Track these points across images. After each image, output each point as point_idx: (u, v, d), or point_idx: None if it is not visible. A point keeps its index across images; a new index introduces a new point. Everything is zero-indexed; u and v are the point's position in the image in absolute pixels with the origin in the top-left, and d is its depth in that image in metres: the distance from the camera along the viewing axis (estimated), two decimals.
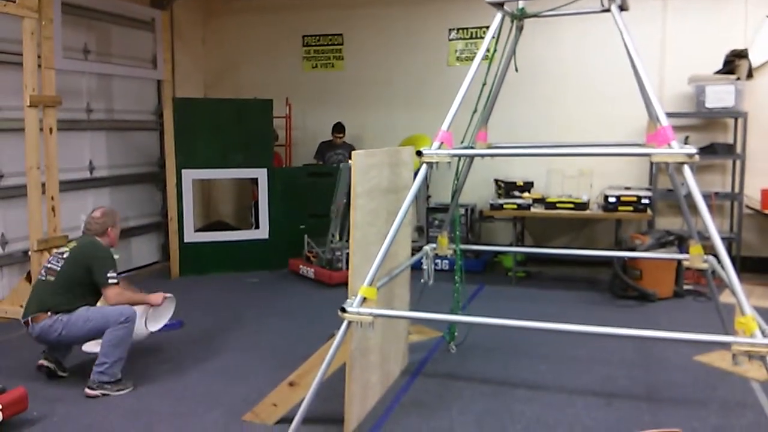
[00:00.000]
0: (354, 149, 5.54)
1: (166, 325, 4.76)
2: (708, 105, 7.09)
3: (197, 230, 7.96)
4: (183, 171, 7.57)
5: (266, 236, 7.89)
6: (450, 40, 8.55)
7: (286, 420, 3.66)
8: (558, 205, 7.26)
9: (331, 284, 7.03)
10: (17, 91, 5.86)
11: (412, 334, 5.04)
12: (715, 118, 7.45)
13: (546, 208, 7.30)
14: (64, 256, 4.39)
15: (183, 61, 8.78)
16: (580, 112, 7.89)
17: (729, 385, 4.32)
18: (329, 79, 9.09)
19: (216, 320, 5.88)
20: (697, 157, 3.09)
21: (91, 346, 4.51)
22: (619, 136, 6.94)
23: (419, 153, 3.58)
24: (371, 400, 3.97)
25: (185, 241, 7.65)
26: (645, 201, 6.93)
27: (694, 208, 3.32)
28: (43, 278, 4.40)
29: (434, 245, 4.89)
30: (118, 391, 4.22)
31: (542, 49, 7.70)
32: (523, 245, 7.85)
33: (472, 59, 8.14)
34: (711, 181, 7.51)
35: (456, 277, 4.98)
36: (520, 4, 4.35)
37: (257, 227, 7.98)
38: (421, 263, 4.67)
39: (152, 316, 4.58)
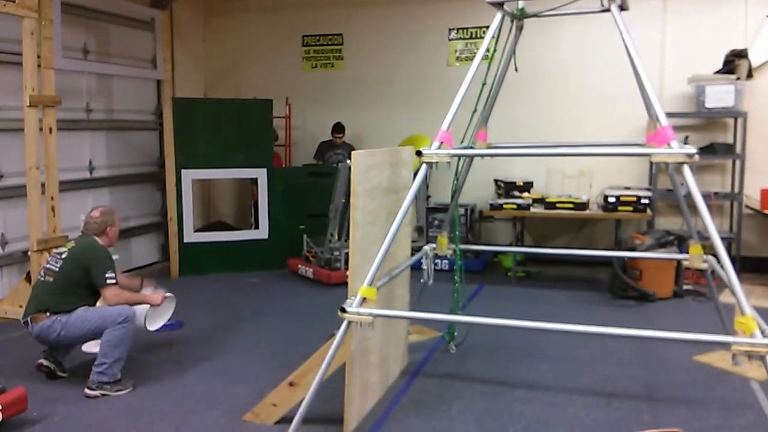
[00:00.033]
0: (354, 149, 5.53)
1: (165, 325, 4.75)
2: (708, 105, 7.10)
3: (197, 230, 7.96)
4: (183, 171, 7.57)
5: (266, 236, 7.89)
6: (450, 39, 8.55)
7: (286, 420, 3.66)
8: (558, 205, 7.26)
9: (330, 284, 7.03)
10: (17, 91, 5.86)
11: (412, 334, 5.04)
12: (715, 118, 7.45)
13: (546, 208, 7.30)
14: (63, 256, 4.39)
15: (183, 61, 8.78)
16: (580, 112, 7.89)
17: (729, 385, 4.32)
18: (329, 79, 9.09)
19: (216, 320, 5.88)
20: (696, 157, 3.09)
21: (91, 347, 4.52)
22: (619, 136, 6.93)
23: (419, 153, 3.58)
24: (371, 400, 3.97)
25: (185, 241, 7.65)
26: (645, 201, 6.93)
27: (693, 208, 3.32)
28: (42, 279, 4.39)
29: (434, 245, 4.89)
30: (117, 391, 4.21)
31: (542, 49, 7.70)
32: (522, 245, 7.85)
33: (472, 59, 8.16)
34: (711, 181, 7.51)
35: (456, 277, 4.98)
36: (520, 4, 4.35)
37: (257, 227, 7.98)
38: (421, 263, 4.67)
39: (152, 316, 4.57)
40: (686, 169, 3.16)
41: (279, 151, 8.78)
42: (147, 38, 7.91)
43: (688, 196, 3.35)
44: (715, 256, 3.48)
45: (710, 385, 4.33)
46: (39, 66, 5.90)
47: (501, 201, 7.45)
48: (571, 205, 7.22)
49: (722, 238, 3.17)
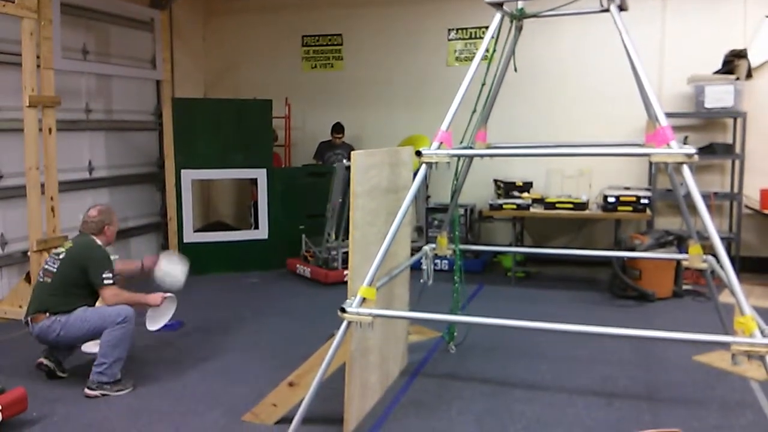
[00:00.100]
0: (353, 149, 5.53)
1: (165, 326, 4.74)
2: (707, 105, 7.10)
3: (196, 230, 7.96)
4: (182, 171, 7.57)
5: (266, 236, 7.89)
6: (449, 40, 8.55)
7: (286, 420, 3.66)
8: (557, 205, 7.27)
9: (327, 283, 7.06)
10: (16, 91, 5.85)
11: (412, 334, 5.04)
12: (714, 118, 7.45)
13: (545, 208, 7.31)
14: (61, 257, 4.38)
15: (182, 61, 8.79)
16: (580, 112, 7.89)
17: (728, 385, 4.32)
18: (328, 80, 9.10)
19: (215, 320, 5.88)
20: (696, 157, 3.10)
21: (91, 347, 4.51)
22: (619, 136, 6.93)
23: (418, 153, 3.58)
24: (371, 401, 3.97)
25: (184, 241, 7.65)
26: (644, 201, 6.94)
27: (693, 208, 3.32)
28: (41, 280, 4.39)
29: (434, 245, 4.89)
30: (117, 391, 4.21)
31: (541, 49, 7.71)
32: (522, 245, 7.85)
33: (471, 59, 8.14)
34: (710, 181, 7.52)
35: (455, 277, 4.98)
36: (520, 4, 4.35)
37: (256, 227, 7.98)
38: (421, 263, 4.67)
39: (152, 316, 4.57)
40: (686, 169, 3.16)
41: (278, 151, 8.78)
42: (146, 38, 7.91)
43: (688, 196, 3.36)
44: (715, 256, 3.48)
45: (710, 385, 4.33)
46: (38, 66, 5.90)
47: (500, 201, 7.45)
48: (570, 205, 7.22)
49: (722, 238, 3.18)
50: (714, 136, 7.49)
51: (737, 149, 7.23)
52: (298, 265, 7.58)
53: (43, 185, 5.97)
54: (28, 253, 5.95)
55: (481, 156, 5.31)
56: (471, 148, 4.58)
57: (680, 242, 6.57)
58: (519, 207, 7.33)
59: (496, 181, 7.92)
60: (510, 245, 7.81)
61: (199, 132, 7.65)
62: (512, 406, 4.02)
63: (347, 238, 7.30)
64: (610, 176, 7.71)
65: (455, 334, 5.07)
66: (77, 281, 4.31)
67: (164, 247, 8.20)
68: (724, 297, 5.00)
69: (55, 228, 6.08)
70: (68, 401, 4.12)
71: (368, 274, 3.45)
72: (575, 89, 7.97)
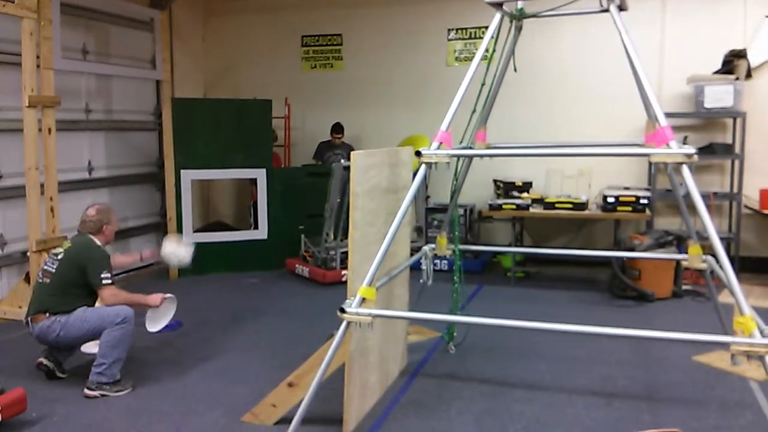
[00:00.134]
0: (353, 149, 5.53)
1: (164, 326, 4.74)
2: (707, 105, 7.10)
3: (196, 230, 7.95)
4: (182, 171, 7.56)
5: (265, 236, 7.89)
6: (449, 40, 8.55)
7: (286, 420, 3.66)
8: (557, 205, 7.27)
9: (325, 283, 7.07)
10: (16, 91, 5.85)
11: (411, 334, 5.04)
12: (714, 118, 7.45)
13: (545, 209, 7.31)
14: (59, 257, 4.38)
15: (182, 62, 8.78)
16: (579, 112, 7.89)
17: (728, 385, 4.32)
18: (328, 80, 9.10)
19: (215, 320, 5.88)
20: (695, 157, 3.10)
21: (90, 347, 4.51)
22: (618, 136, 6.95)
23: (418, 153, 3.58)
24: (370, 401, 3.97)
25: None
26: (644, 201, 6.94)
27: (692, 208, 3.32)
28: (40, 280, 4.39)
29: (433, 245, 4.89)
30: (117, 392, 4.21)
31: (541, 49, 7.71)
32: (521, 245, 7.85)
33: (471, 59, 8.13)
34: (710, 181, 7.52)
35: (455, 278, 4.98)
36: (519, 4, 4.36)
37: (256, 227, 7.98)
38: (420, 263, 4.67)
39: (152, 317, 4.56)
40: (685, 170, 3.17)
41: (278, 151, 8.79)
42: (146, 38, 7.90)
43: (687, 196, 3.36)
44: (714, 256, 3.49)
45: (709, 385, 4.33)
46: (38, 66, 5.90)
47: (500, 201, 7.46)
48: (570, 206, 7.22)
49: (721, 238, 3.18)
50: (713, 136, 7.49)
51: (737, 149, 7.23)
52: (297, 265, 7.59)
53: (42, 185, 5.97)
54: (28, 254, 5.95)
55: (481, 156, 5.31)
56: (471, 148, 4.58)
57: (680, 242, 6.57)
58: (518, 207, 7.34)
59: (495, 181, 7.92)
60: (509, 245, 7.81)
61: (198, 132, 7.64)
62: (512, 406, 4.02)
63: (346, 238, 7.33)
64: (609, 176, 7.71)
65: (455, 334, 5.07)
66: (76, 281, 4.31)
67: None
68: (724, 297, 5.01)
69: (55, 228, 6.08)
70: (68, 402, 4.12)
71: (368, 274, 3.45)
72: (575, 89, 7.97)
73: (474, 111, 4.53)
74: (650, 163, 7.36)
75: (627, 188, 7.39)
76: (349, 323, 3.38)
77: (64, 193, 6.43)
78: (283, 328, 5.68)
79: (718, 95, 7.05)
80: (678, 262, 6.09)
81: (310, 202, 7.85)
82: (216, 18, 9.52)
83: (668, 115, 3.49)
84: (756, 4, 7.30)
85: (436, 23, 8.53)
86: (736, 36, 7.36)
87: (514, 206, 7.35)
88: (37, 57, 5.88)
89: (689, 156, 3.10)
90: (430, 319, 4.02)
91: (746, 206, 7.26)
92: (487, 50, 3.95)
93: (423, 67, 8.60)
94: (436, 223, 7.98)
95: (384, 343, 4.12)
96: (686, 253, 4.69)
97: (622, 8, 3.74)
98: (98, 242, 4.47)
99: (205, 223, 8.95)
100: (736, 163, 7.29)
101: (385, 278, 3.85)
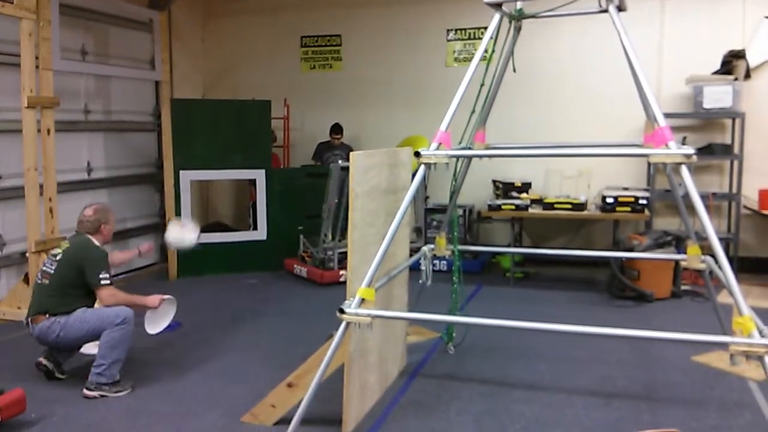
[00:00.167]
0: (352, 150, 5.55)
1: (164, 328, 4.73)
2: (706, 105, 7.10)
3: None
4: (181, 172, 7.56)
5: (264, 237, 7.89)
6: (448, 40, 8.55)
7: (285, 421, 3.66)
8: (556, 205, 7.27)
9: (323, 283, 7.07)
10: (15, 92, 5.85)
11: (411, 335, 5.03)
12: (713, 119, 7.46)
13: (544, 209, 7.31)
14: (57, 258, 4.38)
15: (181, 62, 8.79)
16: (579, 113, 7.90)
17: (727, 385, 4.32)
18: (327, 80, 9.10)
19: (214, 321, 5.88)
20: (694, 157, 3.10)
21: (90, 348, 4.51)
22: (617, 137, 6.96)
23: (417, 154, 3.58)
24: (369, 401, 3.97)
25: None
26: (643, 201, 6.94)
27: (691, 208, 3.32)
28: (39, 282, 4.39)
29: (432, 246, 4.89)
30: (116, 392, 4.21)
31: (540, 49, 7.71)
32: (521, 246, 7.86)
33: (470, 60, 8.16)
34: (709, 181, 7.52)
35: (454, 278, 4.98)
36: (518, 5, 4.36)
37: (255, 228, 7.98)
38: (420, 264, 4.68)
39: (150, 319, 4.55)
40: (684, 170, 3.17)
41: (277, 152, 8.79)
42: (145, 39, 7.90)
43: (686, 196, 3.36)
44: (713, 256, 3.49)
45: (708, 386, 4.33)
46: (37, 67, 5.90)
47: (499, 202, 7.46)
48: (569, 206, 7.23)
49: (720, 239, 3.18)
50: (712, 136, 7.50)
51: (736, 150, 7.23)
52: (295, 266, 7.59)
53: (41, 186, 5.97)
54: (27, 254, 5.94)
55: (480, 156, 5.29)
56: (470, 148, 4.58)
57: (678, 243, 6.58)
58: (518, 207, 7.34)
59: (494, 181, 7.93)
60: (508, 246, 7.80)
61: (197, 133, 7.64)
62: (511, 406, 4.02)
63: (343, 239, 7.36)
64: (608, 177, 7.71)
65: (454, 334, 5.07)
66: (74, 282, 4.31)
67: (163, 248, 8.19)
68: (723, 297, 5.00)
69: (54, 229, 6.07)
70: (67, 402, 4.12)
71: (367, 275, 3.45)
72: (574, 90, 7.97)
73: (473, 111, 4.53)
74: (649, 164, 7.36)
75: (626, 189, 7.39)
76: (348, 324, 3.38)
77: (63, 193, 6.43)
78: (282, 329, 5.68)
79: (717, 96, 7.06)
80: (677, 262, 6.09)
81: (309, 202, 7.85)
82: (215, 19, 9.52)
83: (667, 115, 3.49)
84: (755, 4, 7.30)
85: (436, 24, 8.53)
86: (735, 36, 7.36)
87: (513, 207, 7.35)
88: (36, 58, 5.88)
89: (688, 156, 3.10)
90: (430, 320, 4.03)
91: (745, 207, 7.26)
92: (486, 51, 3.96)
93: (422, 68, 8.61)
94: (435, 223, 7.98)
95: (383, 343, 4.12)
96: (685, 253, 4.69)
97: (620, 9, 3.74)
98: (96, 242, 4.47)
99: (204, 224, 8.92)
100: (735, 163, 7.30)
101: (385, 279, 3.85)
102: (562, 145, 6.27)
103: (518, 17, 4.40)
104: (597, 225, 7.97)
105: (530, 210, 7.33)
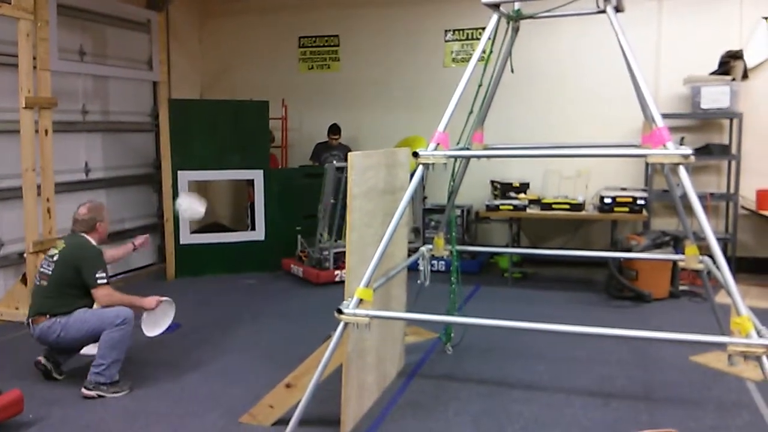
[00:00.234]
0: (350, 150, 5.55)
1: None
2: (703, 106, 7.11)
3: (193, 232, 7.95)
4: (179, 172, 7.56)
5: (262, 237, 7.88)
6: (446, 41, 8.56)
7: (283, 421, 3.66)
8: (554, 206, 7.27)
9: (318, 283, 7.08)
10: (12, 92, 5.84)
11: (409, 335, 5.03)
12: (711, 119, 7.47)
13: (542, 209, 7.31)
14: (54, 258, 4.37)
15: (179, 63, 8.78)
16: (576, 113, 7.90)
17: (725, 386, 4.33)
18: (325, 81, 9.10)
19: (213, 322, 5.88)
20: (692, 158, 3.11)
21: (89, 348, 4.50)
22: (615, 137, 6.96)
23: (415, 154, 3.58)
24: (368, 402, 3.97)
25: (181, 242, 7.64)
26: (640, 202, 6.95)
27: (689, 208, 3.33)
28: (38, 283, 4.39)
29: (430, 246, 4.89)
30: (114, 393, 4.20)
31: (538, 50, 7.72)
32: (519, 246, 7.87)
33: (468, 60, 8.08)
34: (706, 181, 7.53)
35: (452, 278, 4.98)
36: (516, 6, 4.36)
37: (253, 228, 7.98)
38: (418, 264, 4.68)
39: (148, 320, 4.53)
40: (682, 170, 3.17)
41: (275, 152, 8.78)
42: (143, 40, 7.90)
43: (684, 196, 3.36)
44: (711, 256, 3.49)
45: (706, 386, 4.34)
46: (35, 68, 5.89)
47: (497, 202, 7.46)
48: (567, 206, 7.23)
49: (718, 239, 3.18)
50: (710, 136, 7.51)
51: (733, 150, 7.25)
52: (292, 266, 7.59)
53: (39, 187, 5.97)
54: (25, 255, 5.93)
55: (478, 157, 5.30)
56: (468, 149, 4.58)
57: (676, 243, 6.58)
58: (516, 208, 7.34)
59: (492, 182, 7.93)
60: (507, 246, 7.80)
61: (195, 133, 7.64)
62: (509, 406, 4.03)
63: (340, 239, 7.36)
64: (606, 177, 7.72)
65: (452, 335, 5.07)
66: (72, 282, 4.30)
67: (161, 248, 8.19)
68: (721, 298, 5.01)
69: (52, 229, 6.06)
70: (65, 403, 4.11)
71: (365, 275, 3.45)
72: (572, 90, 7.98)
73: (471, 112, 4.54)
74: (647, 164, 7.37)
75: (624, 189, 7.40)
76: (346, 324, 3.38)
77: (60, 194, 6.42)
78: (280, 329, 5.68)
79: (715, 96, 7.07)
80: (675, 262, 6.09)
81: (307, 203, 7.84)
82: (213, 19, 9.52)
83: (665, 116, 3.50)
84: (752, 5, 7.31)
85: (433, 24, 8.53)
86: (733, 37, 7.37)
87: (511, 207, 7.35)
88: (34, 58, 5.86)
89: (686, 157, 3.10)
90: (428, 320, 4.03)
91: (743, 207, 7.27)
92: (484, 51, 3.97)
93: (420, 68, 8.61)
94: (433, 223, 7.98)
95: (381, 344, 4.12)
96: (683, 253, 4.69)
97: (618, 9, 3.75)
98: (92, 241, 4.45)
99: (202, 225, 8.93)
100: (733, 163, 7.31)
101: (383, 279, 3.85)
102: (560, 146, 6.27)
103: (516, 18, 4.40)
104: (595, 225, 7.97)
105: (528, 210, 7.33)
